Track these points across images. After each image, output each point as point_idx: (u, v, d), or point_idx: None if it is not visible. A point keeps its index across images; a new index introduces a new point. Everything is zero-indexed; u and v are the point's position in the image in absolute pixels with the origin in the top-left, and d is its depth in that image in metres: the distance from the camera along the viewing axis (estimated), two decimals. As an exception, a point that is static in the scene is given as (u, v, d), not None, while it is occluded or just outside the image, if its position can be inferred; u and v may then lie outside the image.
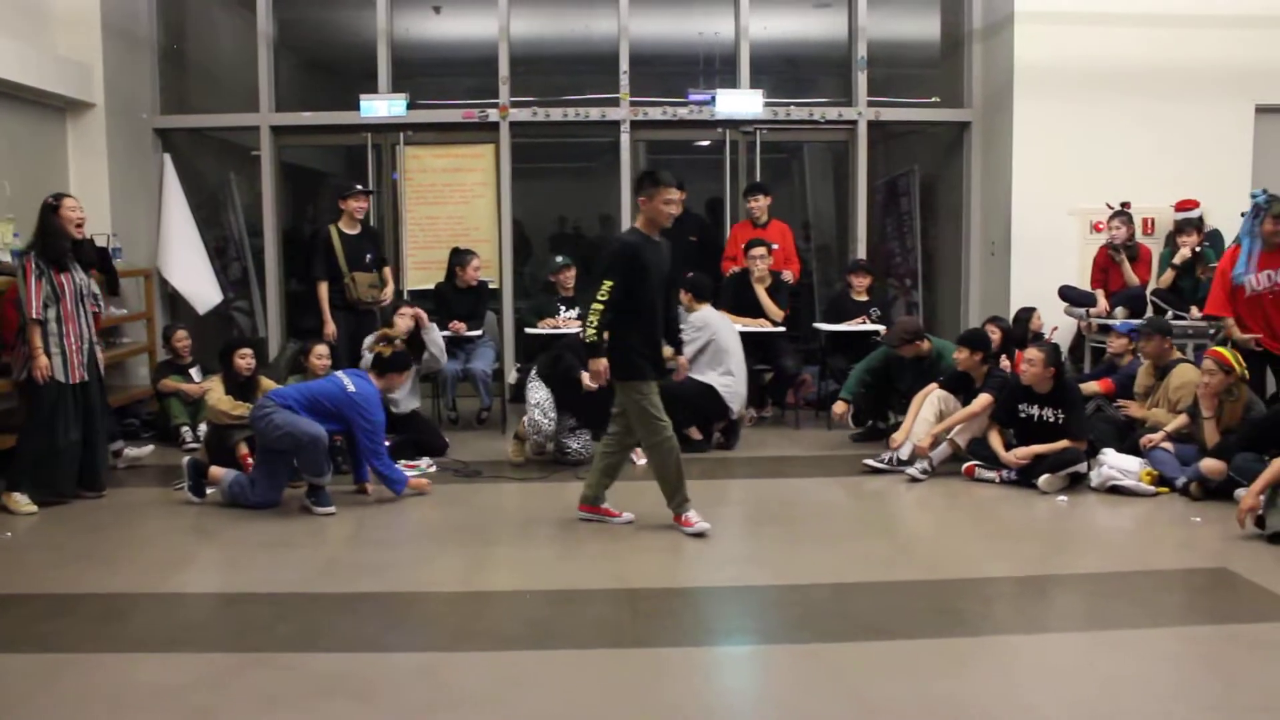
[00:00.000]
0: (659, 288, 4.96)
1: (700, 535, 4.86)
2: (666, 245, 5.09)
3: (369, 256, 7.27)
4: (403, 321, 6.61)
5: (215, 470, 5.64)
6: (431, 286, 8.11)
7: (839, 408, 6.81)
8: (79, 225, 5.57)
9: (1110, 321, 7.18)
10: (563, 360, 6.37)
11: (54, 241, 5.42)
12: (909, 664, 3.55)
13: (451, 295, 7.52)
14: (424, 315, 6.73)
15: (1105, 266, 7.52)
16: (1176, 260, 7.24)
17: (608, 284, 4.78)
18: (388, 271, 7.51)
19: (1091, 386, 6.60)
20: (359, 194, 7.27)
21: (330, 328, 7.02)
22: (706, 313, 6.82)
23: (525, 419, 6.38)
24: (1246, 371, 5.70)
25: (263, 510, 5.43)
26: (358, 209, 7.24)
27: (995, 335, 6.86)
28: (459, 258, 7.54)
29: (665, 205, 4.89)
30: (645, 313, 4.89)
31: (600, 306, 4.78)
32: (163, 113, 8.50)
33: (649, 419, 4.85)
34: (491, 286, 8.28)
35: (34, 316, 5.28)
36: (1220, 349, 5.72)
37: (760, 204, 7.85)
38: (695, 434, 6.72)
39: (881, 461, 6.22)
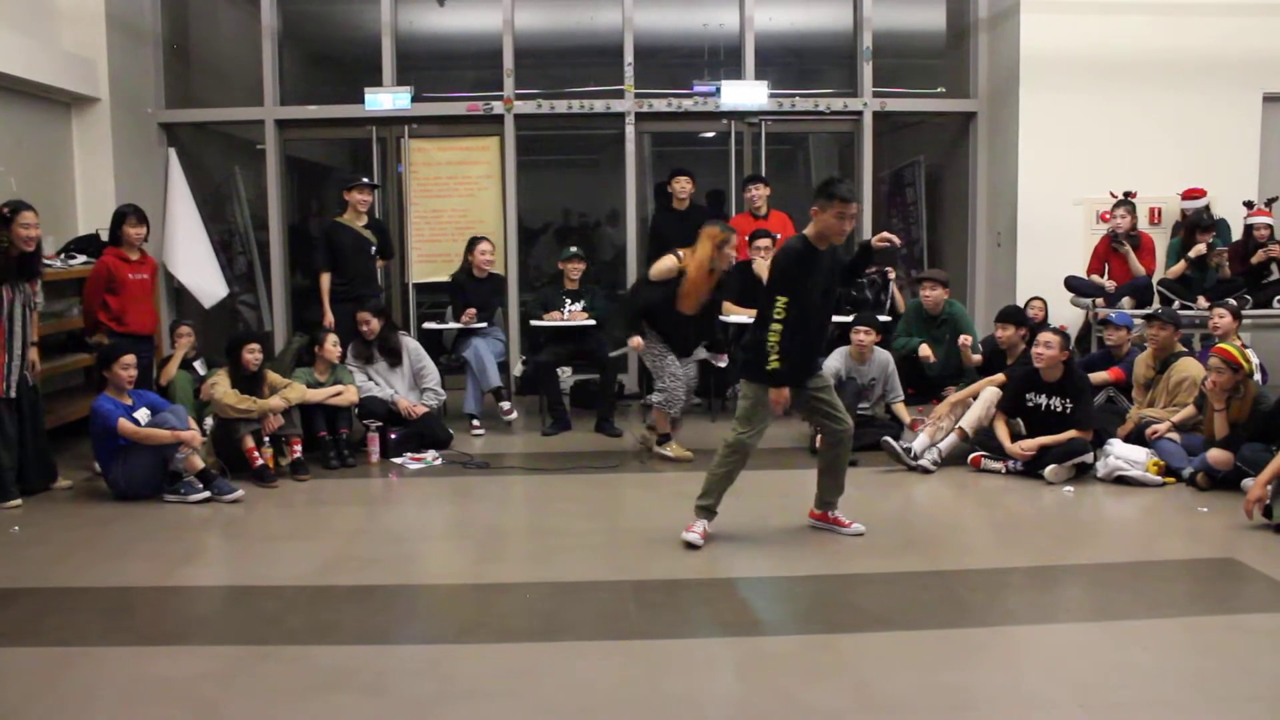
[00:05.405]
0: (821, 296, 4.61)
1: (690, 545, 4.67)
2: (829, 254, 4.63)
3: (373, 249, 7.28)
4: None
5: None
6: (435, 279, 8.12)
7: (924, 350, 6.87)
8: (28, 241, 5.38)
9: (1110, 311, 7.17)
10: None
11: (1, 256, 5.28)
12: (915, 654, 3.55)
13: (468, 284, 7.49)
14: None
15: (1106, 257, 7.52)
16: (1192, 254, 7.23)
17: (782, 300, 4.41)
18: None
19: (1102, 376, 6.57)
20: (364, 186, 7.24)
21: (330, 318, 7.02)
22: None
23: (659, 397, 6.38)
24: (1253, 367, 5.68)
25: (231, 501, 5.48)
26: (361, 201, 7.21)
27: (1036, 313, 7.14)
28: (469, 244, 7.54)
29: (838, 220, 4.50)
30: (802, 322, 4.50)
31: (779, 327, 4.39)
32: (168, 107, 8.50)
33: (748, 419, 4.64)
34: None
35: None
36: (1227, 346, 5.63)
37: (759, 194, 7.80)
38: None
39: (899, 443, 6.13)
